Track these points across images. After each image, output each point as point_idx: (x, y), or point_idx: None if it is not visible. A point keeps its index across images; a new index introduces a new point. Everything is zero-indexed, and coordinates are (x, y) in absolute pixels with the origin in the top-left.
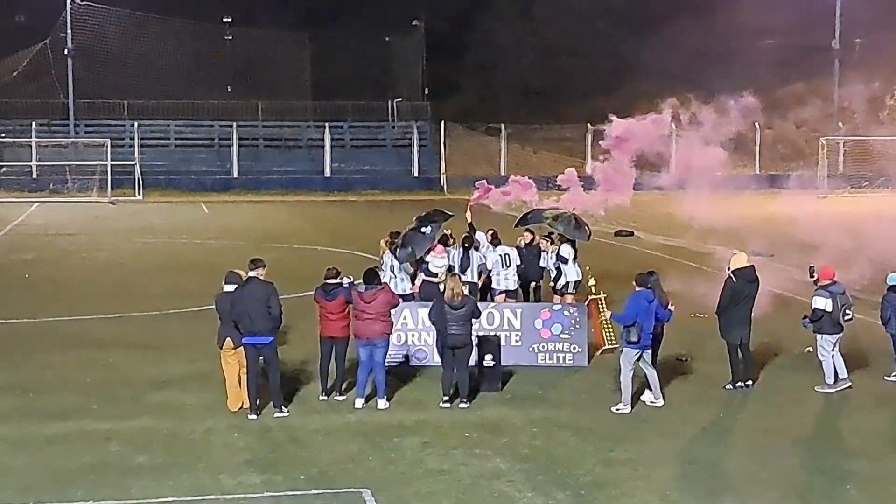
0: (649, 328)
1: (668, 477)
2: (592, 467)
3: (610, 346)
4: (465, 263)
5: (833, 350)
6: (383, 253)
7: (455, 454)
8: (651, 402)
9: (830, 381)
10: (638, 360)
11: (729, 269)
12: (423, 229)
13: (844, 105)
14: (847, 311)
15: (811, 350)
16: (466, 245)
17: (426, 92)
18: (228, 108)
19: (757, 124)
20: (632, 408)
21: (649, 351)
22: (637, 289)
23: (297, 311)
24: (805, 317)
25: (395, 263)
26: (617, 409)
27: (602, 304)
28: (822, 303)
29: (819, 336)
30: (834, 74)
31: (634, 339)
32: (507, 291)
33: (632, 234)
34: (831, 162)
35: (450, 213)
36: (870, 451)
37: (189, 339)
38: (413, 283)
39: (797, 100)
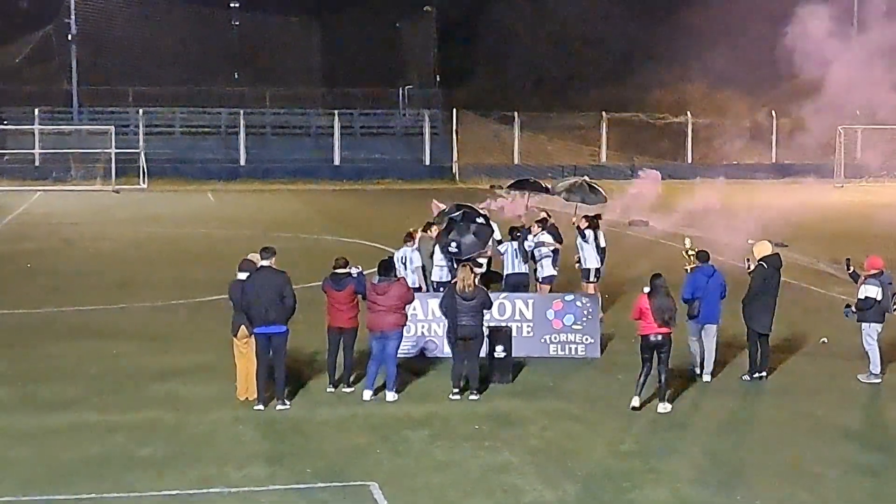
0: (712, 302)
1: (679, 469)
2: (603, 460)
3: None
4: (522, 254)
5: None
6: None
7: (464, 447)
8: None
9: (877, 369)
10: (703, 332)
11: (748, 260)
12: (478, 219)
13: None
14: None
15: (826, 341)
16: (518, 235)
17: (437, 79)
18: (235, 95)
19: (773, 113)
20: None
21: (714, 325)
22: (697, 265)
23: (304, 301)
24: (847, 306)
25: (412, 257)
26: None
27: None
28: (874, 291)
29: (866, 325)
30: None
31: (693, 313)
32: (548, 278)
33: (646, 223)
34: (848, 151)
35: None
36: (886, 443)
37: (194, 330)
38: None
39: (815, 88)
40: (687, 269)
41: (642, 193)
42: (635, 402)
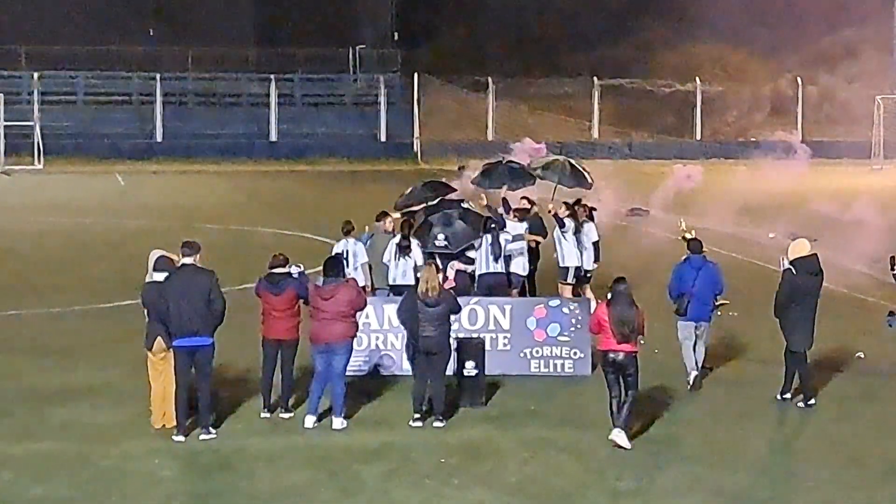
0: (704, 298)
1: None
2: (596, 499)
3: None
4: (497, 250)
5: None
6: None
7: (428, 484)
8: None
9: None
10: (697, 332)
11: (783, 259)
12: (463, 203)
13: None
14: None
15: (863, 356)
16: (492, 227)
17: (396, 37)
18: (150, 56)
19: (799, 80)
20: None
21: (707, 323)
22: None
23: (234, 307)
24: (891, 314)
25: (355, 250)
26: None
27: None
28: None
29: None
30: (893, 18)
31: (681, 311)
32: (517, 278)
33: (647, 212)
34: (888, 125)
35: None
36: None
37: (100, 343)
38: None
39: (848, 50)
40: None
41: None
42: (621, 439)
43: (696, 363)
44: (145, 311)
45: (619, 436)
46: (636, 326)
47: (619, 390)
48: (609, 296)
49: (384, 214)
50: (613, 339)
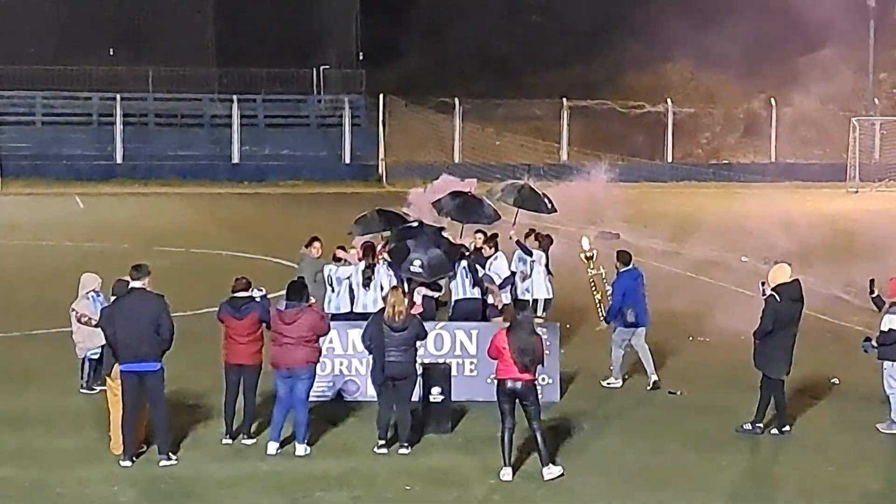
0: (642, 304)
1: None
2: None
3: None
4: (474, 276)
5: None
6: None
7: None
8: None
9: None
10: (634, 337)
11: (763, 284)
12: (443, 233)
13: (882, 77)
14: None
15: (837, 382)
16: (469, 254)
17: (360, 57)
18: (110, 76)
19: (773, 100)
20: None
21: (644, 328)
22: (621, 269)
23: (196, 331)
24: (867, 339)
25: (336, 276)
26: (608, 384)
27: (603, 277)
28: None
29: (889, 364)
30: (869, 39)
31: (630, 319)
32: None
33: (617, 236)
34: (864, 148)
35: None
36: None
37: (58, 367)
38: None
39: (823, 70)
40: (589, 273)
41: None
42: (506, 474)
43: (645, 369)
44: (104, 336)
45: (550, 473)
46: (537, 355)
47: (512, 421)
48: (510, 322)
49: (314, 239)
50: (514, 368)
